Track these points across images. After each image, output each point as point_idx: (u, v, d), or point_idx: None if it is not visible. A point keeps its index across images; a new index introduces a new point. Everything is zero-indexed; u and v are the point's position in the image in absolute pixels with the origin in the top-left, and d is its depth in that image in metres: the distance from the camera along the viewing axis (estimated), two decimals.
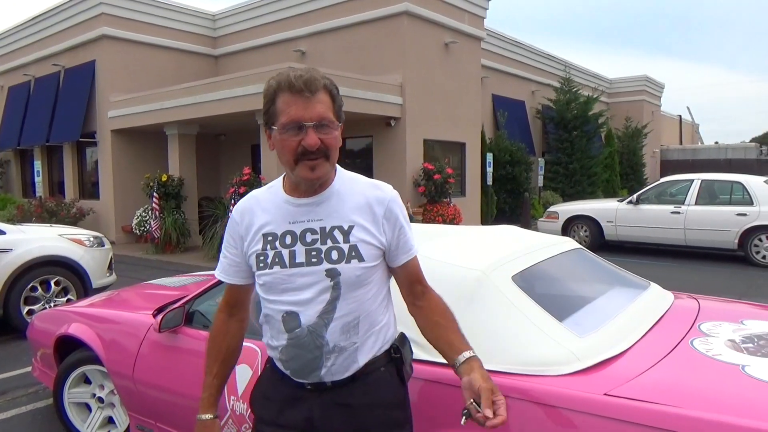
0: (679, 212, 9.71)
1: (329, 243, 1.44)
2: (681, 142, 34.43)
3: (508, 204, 15.54)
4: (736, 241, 9.15)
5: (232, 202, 9.88)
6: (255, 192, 1.58)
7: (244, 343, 2.24)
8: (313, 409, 1.48)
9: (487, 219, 14.12)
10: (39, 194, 13.92)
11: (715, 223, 9.35)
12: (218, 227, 10.35)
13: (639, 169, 23.51)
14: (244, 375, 2.36)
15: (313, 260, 1.43)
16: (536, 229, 12.08)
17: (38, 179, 14.19)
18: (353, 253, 1.44)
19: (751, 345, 1.99)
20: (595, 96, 18.78)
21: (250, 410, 1.69)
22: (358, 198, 1.48)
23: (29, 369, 4.03)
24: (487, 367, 1.82)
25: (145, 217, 11.78)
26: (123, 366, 2.89)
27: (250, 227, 1.50)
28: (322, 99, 1.38)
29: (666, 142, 30.90)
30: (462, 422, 1.35)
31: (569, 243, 2.80)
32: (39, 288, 5.67)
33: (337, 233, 1.45)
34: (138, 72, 13.51)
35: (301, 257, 1.43)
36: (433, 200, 11.69)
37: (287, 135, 1.37)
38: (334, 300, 1.43)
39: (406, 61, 11.69)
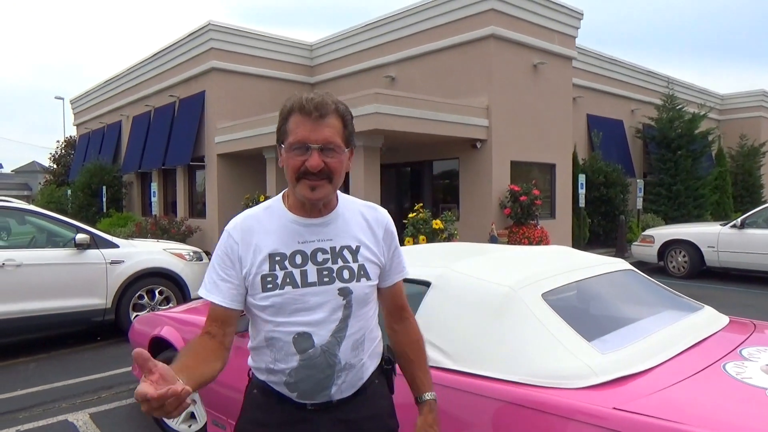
0: None
1: (340, 262, 1.46)
2: None
3: (602, 227, 14.95)
4: None
5: None
6: (251, 212, 1.53)
7: None
8: (319, 429, 1.47)
9: (579, 242, 13.68)
10: (155, 213, 15.33)
11: None
12: None
13: (756, 191, 21.65)
14: None
15: (326, 279, 1.44)
16: (629, 254, 11.56)
17: (154, 199, 15.64)
18: (362, 272, 1.48)
19: None
20: (702, 113, 17.67)
21: None
22: (359, 219, 1.54)
23: (131, 368, 4.54)
24: (507, 377, 1.95)
25: None
26: None
27: (250, 247, 1.45)
28: (332, 123, 1.39)
29: None
30: None
31: (619, 264, 2.80)
32: (145, 296, 6.33)
33: (346, 253, 1.48)
34: (241, 100, 14.61)
35: (313, 277, 1.43)
36: (519, 222, 11.56)
37: (293, 154, 1.39)
38: (347, 318, 1.45)
39: (493, 84, 11.75)
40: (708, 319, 2.49)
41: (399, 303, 1.66)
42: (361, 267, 1.49)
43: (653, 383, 1.83)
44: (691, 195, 17.00)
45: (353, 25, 14.78)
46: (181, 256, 6.69)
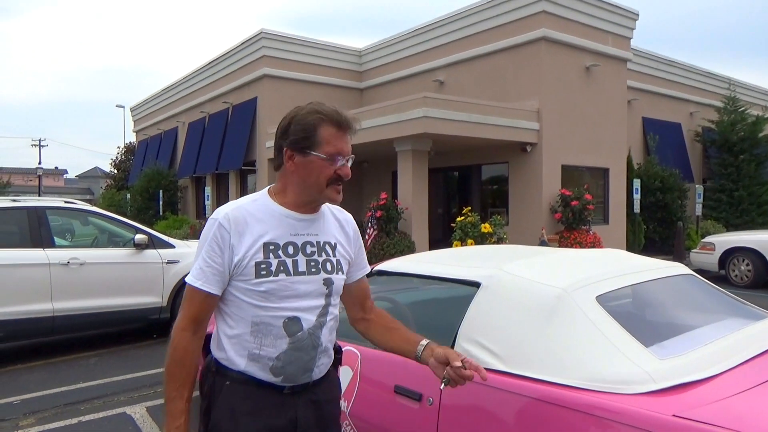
0: None
1: (324, 255, 1.63)
2: None
3: (658, 233, 14.44)
4: None
5: (369, 224, 10.44)
6: (239, 203, 1.61)
7: (347, 347, 2.51)
8: (297, 411, 1.58)
9: (633, 248, 13.24)
10: (208, 216, 15.79)
11: None
12: None
13: None
14: (346, 376, 2.61)
15: (313, 270, 1.59)
16: (688, 262, 11.10)
17: (208, 203, 16.12)
18: (339, 266, 1.66)
19: None
20: (766, 115, 16.86)
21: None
22: (333, 220, 1.73)
23: None
24: (559, 381, 1.90)
25: None
26: None
27: (243, 236, 1.53)
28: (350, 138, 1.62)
29: None
30: (441, 387, 1.61)
31: (678, 268, 2.70)
32: None
33: (328, 248, 1.66)
34: (292, 106, 14.60)
35: (302, 266, 1.58)
36: (570, 227, 11.31)
37: (328, 163, 1.55)
38: (327, 305, 1.63)
39: (543, 87, 11.56)
40: None
41: (367, 295, 1.85)
42: (338, 261, 1.67)
43: (716, 392, 1.75)
44: (754, 201, 16.26)
45: (402, 31, 14.86)
46: None
